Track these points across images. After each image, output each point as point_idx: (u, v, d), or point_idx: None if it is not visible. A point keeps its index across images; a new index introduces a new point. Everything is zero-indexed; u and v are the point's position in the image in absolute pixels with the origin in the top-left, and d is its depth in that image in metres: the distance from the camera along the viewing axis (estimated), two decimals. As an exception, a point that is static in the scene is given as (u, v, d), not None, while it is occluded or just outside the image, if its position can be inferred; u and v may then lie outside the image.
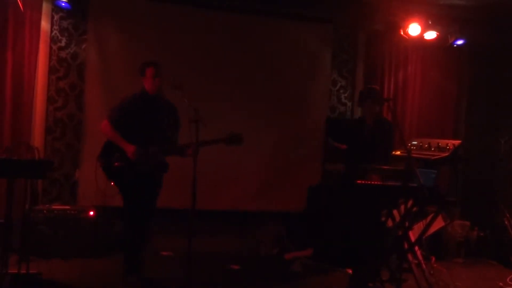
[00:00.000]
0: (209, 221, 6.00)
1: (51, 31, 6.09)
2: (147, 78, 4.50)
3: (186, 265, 3.79)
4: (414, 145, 5.16)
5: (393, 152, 5.25)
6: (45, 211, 5.45)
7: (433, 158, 4.74)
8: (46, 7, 5.99)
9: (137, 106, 4.50)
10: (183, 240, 3.89)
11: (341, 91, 7.02)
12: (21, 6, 5.55)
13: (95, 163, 4.51)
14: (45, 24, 5.99)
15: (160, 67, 4.52)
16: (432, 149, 4.93)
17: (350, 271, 4.65)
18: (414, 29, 6.47)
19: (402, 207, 4.65)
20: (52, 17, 6.10)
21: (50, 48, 6.09)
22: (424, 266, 5.05)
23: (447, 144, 4.87)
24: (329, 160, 4.64)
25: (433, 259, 6.08)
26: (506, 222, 6.32)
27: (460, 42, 6.86)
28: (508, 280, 5.46)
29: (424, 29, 6.54)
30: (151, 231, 4.68)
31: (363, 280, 4.54)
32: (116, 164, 4.41)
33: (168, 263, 5.43)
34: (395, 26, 6.57)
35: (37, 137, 5.98)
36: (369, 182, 4.21)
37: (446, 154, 4.78)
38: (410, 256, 4.96)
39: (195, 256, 3.78)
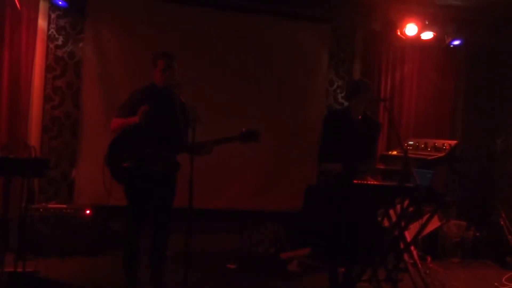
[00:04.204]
0: (207, 220, 6.00)
1: (48, 30, 6.08)
2: (157, 70, 4.20)
3: (184, 264, 3.79)
4: (410, 145, 5.17)
5: (390, 152, 5.26)
6: (41, 210, 5.45)
7: (429, 158, 4.75)
8: (43, 6, 5.97)
9: (146, 98, 4.16)
10: (181, 239, 3.89)
11: (338, 90, 7.03)
12: (18, 4, 5.54)
13: (95, 163, 4.37)
14: (42, 23, 5.97)
15: (173, 59, 4.22)
16: (429, 149, 4.94)
17: (343, 270, 4.65)
18: (411, 29, 6.47)
19: (398, 207, 4.66)
20: (49, 16, 6.08)
21: (47, 46, 6.07)
22: (420, 266, 5.07)
23: (443, 144, 4.88)
24: (325, 160, 4.59)
25: (429, 259, 6.11)
26: (502, 222, 6.35)
27: (457, 42, 6.88)
28: (503, 280, 5.48)
29: (421, 29, 6.55)
30: (167, 232, 4.38)
31: (355, 278, 4.55)
32: (125, 164, 4.10)
33: (165, 261, 5.42)
34: (392, 26, 6.57)
35: (34, 136, 5.97)
36: (365, 182, 4.22)
37: (443, 154, 4.79)
38: (406, 256, 4.97)
39: (192, 255, 3.78)
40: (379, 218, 4.87)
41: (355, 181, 4.14)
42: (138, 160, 4.11)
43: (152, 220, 4.36)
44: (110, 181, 4.15)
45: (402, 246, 4.78)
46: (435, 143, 4.96)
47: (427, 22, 6.52)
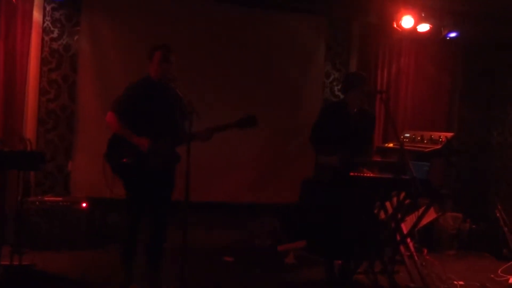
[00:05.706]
0: (203, 213, 5.99)
1: (43, 22, 6.04)
2: (153, 62, 4.12)
3: (180, 257, 3.79)
4: (406, 137, 5.18)
5: (386, 144, 5.27)
6: (37, 203, 5.43)
7: (426, 150, 4.75)
8: (38, -2, 5.95)
9: (142, 93, 4.13)
10: (177, 232, 3.88)
11: (334, 83, 7.02)
12: (12, -3, 5.52)
13: (91, 155, 4.34)
14: (37, 15, 5.93)
15: (170, 51, 4.14)
16: (425, 141, 4.95)
17: (340, 262, 4.67)
18: (407, 21, 6.45)
19: (395, 199, 4.67)
20: (44, 8, 6.04)
21: (42, 39, 6.04)
22: (416, 258, 5.08)
23: (439, 137, 4.89)
24: (316, 141, 4.60)
25: (425, 251, 6.13)
26: (498, 214, 6.36)
27: (453, 34, 6.86)
28: (499, 271, 5.50)
29: (417, 22, 6.53)
30: (165, 230, 4.32)
31: (352, 270, 4.56)
32: (124, 160, 4.04)
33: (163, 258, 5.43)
34: (389, 18, 6.56)
35: (30, 129, 5.94)
36: (362, 175, 4.22)
37: (439, 147, 4.80)
38: (402, 248, 4.98)
39: (188, 248, 3.77)
40: (376, 211, 4.88)
41: (351, 174, 4.15)
42: (137, 156, 4.06)
43: (150, 216, 4.32)
44: (113, 178, 4.12)
45: (398, 238, 4.80)
46: (432, 135, 4.97)
47: (423, 14, 6.50)
